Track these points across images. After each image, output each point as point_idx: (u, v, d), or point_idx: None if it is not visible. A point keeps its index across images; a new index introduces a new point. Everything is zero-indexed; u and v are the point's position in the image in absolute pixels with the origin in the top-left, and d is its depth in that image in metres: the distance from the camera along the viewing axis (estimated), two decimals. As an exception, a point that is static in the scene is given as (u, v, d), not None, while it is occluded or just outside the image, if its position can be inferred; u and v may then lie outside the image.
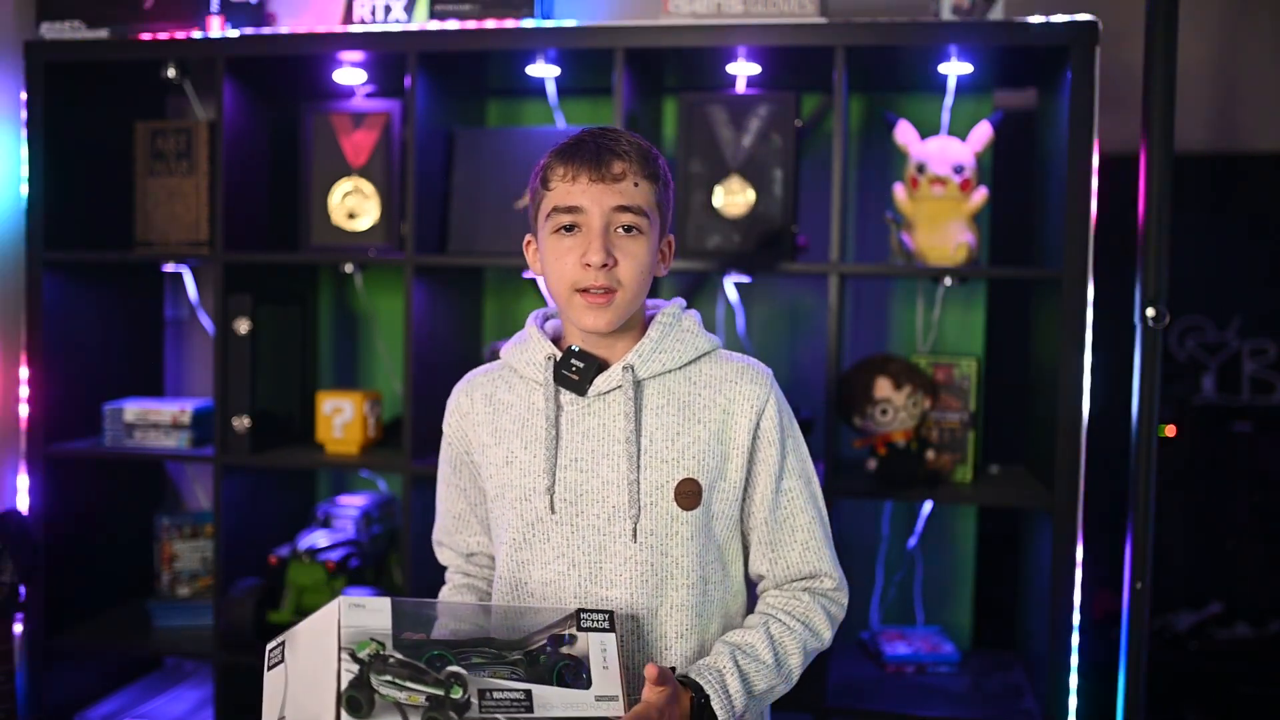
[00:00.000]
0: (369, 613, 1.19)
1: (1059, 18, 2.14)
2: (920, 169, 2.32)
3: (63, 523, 2.55)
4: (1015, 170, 2.59)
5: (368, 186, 2.50)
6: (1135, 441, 1.88)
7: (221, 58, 2.39)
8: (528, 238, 1.47)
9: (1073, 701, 2.17)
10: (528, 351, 1.43)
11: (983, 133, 2.33)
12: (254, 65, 2.45)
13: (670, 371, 1.41)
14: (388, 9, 2.41)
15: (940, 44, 2.19)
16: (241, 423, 2.45)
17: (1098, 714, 2.32)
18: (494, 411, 1.45)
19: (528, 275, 2.58)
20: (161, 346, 2.89)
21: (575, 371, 1.38)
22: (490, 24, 2.34)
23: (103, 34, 2.49)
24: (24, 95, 2.47)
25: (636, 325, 1.42)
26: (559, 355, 1.40)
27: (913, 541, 2.63)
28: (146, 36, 2.46)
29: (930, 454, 2.33)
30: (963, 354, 2.53)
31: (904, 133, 2.35)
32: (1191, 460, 2.69)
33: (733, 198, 2.36)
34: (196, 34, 2.44)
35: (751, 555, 1.46)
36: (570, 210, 1.35)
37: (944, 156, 2.31)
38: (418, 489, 2.39)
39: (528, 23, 2.33)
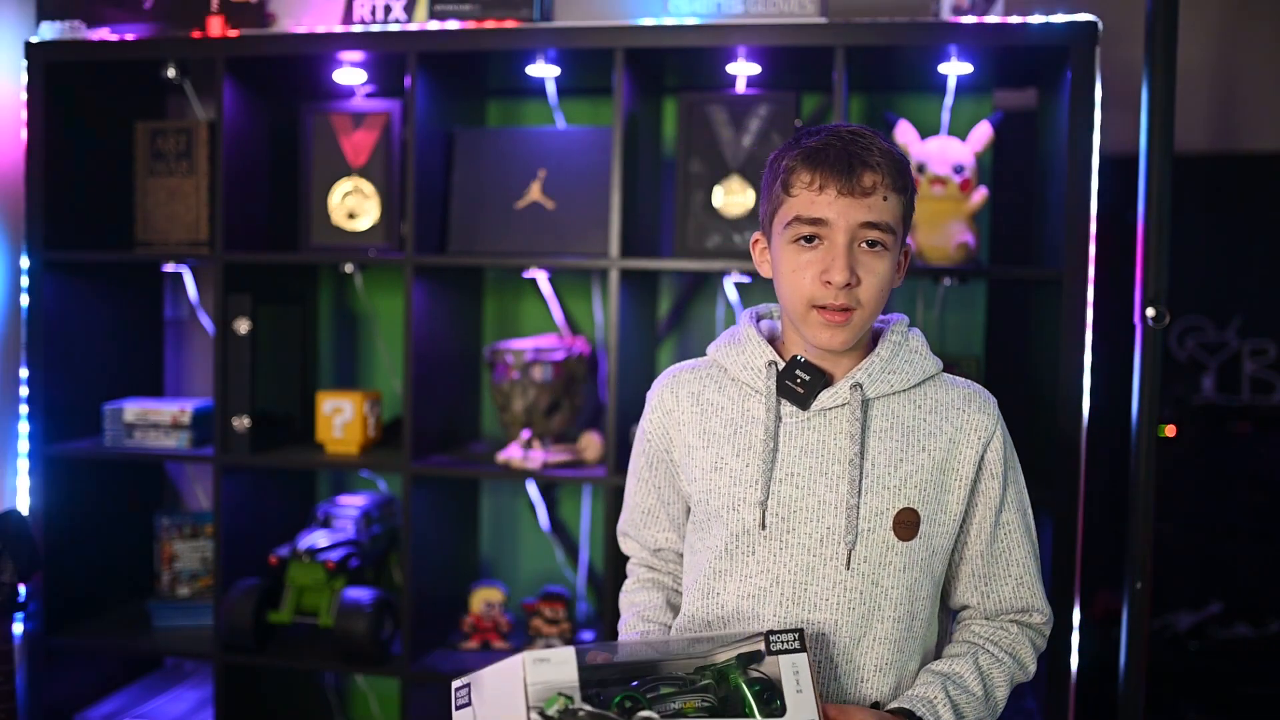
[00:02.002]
0: (553, 666, 1.15)
1: (1059, 18, 2.14)
2: (920, 169, 2.32)
3: (63, 523, 2.54)
4: (1015, 170, 2.59)
5: (368, 186, 2.50)
6: (1135, 441, 1.88)
7: (221, 58, 2.39)
8: (756, 235, 1.39)
9: (1073, 701, 2.17)
10: (745, 354, 1.37)
11: (983, 133, 2.33)
12: (254, 65, 2.45)
13: (897, 393, 1.34)
14: (388, 9, 2.41)
15: (940, 44, 2.19)
16: (241, 423, 2.45)
17: (1098, 714, 2.32)
18: (702, 412, 1.38)
19: (528, 275, 2.58)
20: (161, 346, 2.89)
21: (800, 384, 1.32)
22: (490, 24, 2.34)
23: (103, 34, 2.49)
24: (24, 95, 2.47)
25: (864, 338, 1.35)
26: (781, 363, 1.35)
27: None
28: (146, 36, 2.46)
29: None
30: (963, 354, 2.53)
31: (904, 133, 2.35)
32: (1191, 460, 2.69)
33: (733, 198, 2.36)
34: (196, 34, 2.44)
35: (960, 586, 1.41)
36: (814, 222, 1.27)
37: (944, 156, 2.31)
38: (418, 489, 2.39)
39: (528, 23, 2.33)
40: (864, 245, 1.28)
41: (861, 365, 1.34)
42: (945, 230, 2.30)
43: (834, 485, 1.30)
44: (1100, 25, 2.12)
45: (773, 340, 1.40)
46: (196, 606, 2.65)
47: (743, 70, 2.40)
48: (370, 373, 2.84)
